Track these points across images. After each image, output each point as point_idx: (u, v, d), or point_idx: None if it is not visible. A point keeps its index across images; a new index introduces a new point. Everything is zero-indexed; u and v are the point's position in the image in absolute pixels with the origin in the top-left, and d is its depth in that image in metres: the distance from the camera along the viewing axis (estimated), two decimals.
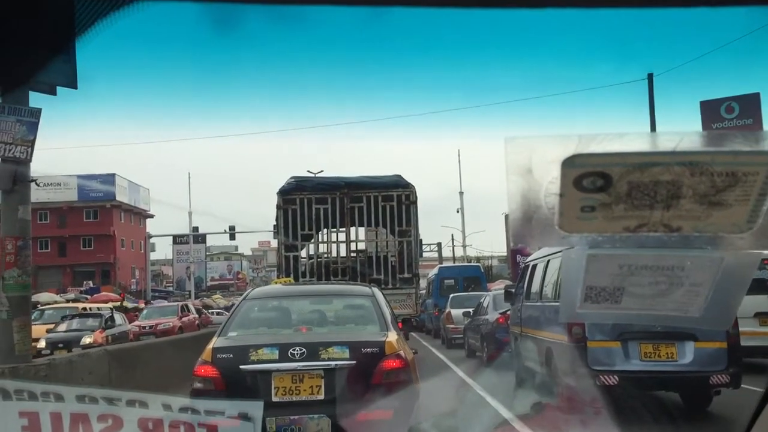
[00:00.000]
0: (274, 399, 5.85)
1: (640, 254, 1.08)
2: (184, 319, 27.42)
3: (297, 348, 6.04)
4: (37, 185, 11.33)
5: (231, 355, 6.09)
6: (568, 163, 0.93)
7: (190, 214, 59.82)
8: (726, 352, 7.84)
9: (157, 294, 58.24)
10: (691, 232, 1.00)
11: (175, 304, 31.84)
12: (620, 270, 1.09)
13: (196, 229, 61.58)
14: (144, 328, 25.56)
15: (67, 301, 33.63)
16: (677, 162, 0.93)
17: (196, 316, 30.09)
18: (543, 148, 0.95)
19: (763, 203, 0.96)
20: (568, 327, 7.94)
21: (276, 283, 13.18)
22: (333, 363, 5.99)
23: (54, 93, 7.66)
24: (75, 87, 7.46)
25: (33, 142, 7.67)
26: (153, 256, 67.97)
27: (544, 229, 1.00)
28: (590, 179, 0.94)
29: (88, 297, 39.15)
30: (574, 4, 0.85)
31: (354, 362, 6.01)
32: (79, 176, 62.23)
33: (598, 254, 1.07)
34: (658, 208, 0.97)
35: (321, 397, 5.91)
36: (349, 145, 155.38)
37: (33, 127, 7.59)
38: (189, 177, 73.04)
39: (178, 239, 66.48)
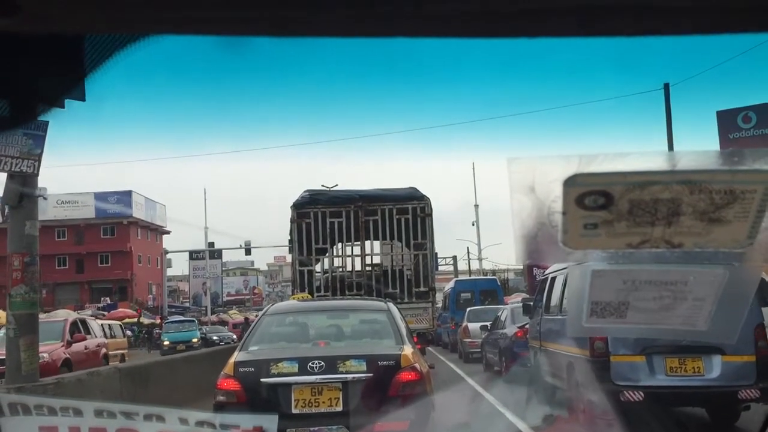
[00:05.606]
0: (294, 411, 6.05)
1: (644, 269, 1.11)
2: (76, 345, 16.30)
3: (316, 361, 6.21)
4: (45, 199, 11.30)
5: (252, 369, 6.27)
6: (570, 182, 0.96)
7: (206, 229, 60.06)
8: (755, 366, 7.57)
9: (173, 310, 58.40)
10: (693, 248, 1.03)
11: (61, 320, 17.33)
12: (624, 285, 1.13)
13: (212, 244, 61.69)
14: None
15: None
16: (676, 180, 0.96)
17: (103, 341, 18.69)
18: (545, 167, 0.98)
19: (762, 219, 0.98)
20: (590, 341, 7.69)
21: (293, 299, 13.21)
22: (350, 376, 6.17)
23: (62, 106, 7.59)
24: (83, 99, 7.38)
25: (40, 156, 7.58)
26: (169, 272, 68.28)
27: (548, 247, 1.03)
28: (592, 197, 0.97)
29: (105, 313, 39.34)
30: (579, 34, 0.87)
31: (371, 375, 6.18)
32: (96, 194, 62.80)
33: (602, 270, 1.12)
34: (659, 224, 1.00)
35: (339, 408, 6.10)
36: (364, 159, 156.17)
37: (40, 141, 7.50)
38: (205, 193, 73.20)
39: (194, 255, 66.63)
